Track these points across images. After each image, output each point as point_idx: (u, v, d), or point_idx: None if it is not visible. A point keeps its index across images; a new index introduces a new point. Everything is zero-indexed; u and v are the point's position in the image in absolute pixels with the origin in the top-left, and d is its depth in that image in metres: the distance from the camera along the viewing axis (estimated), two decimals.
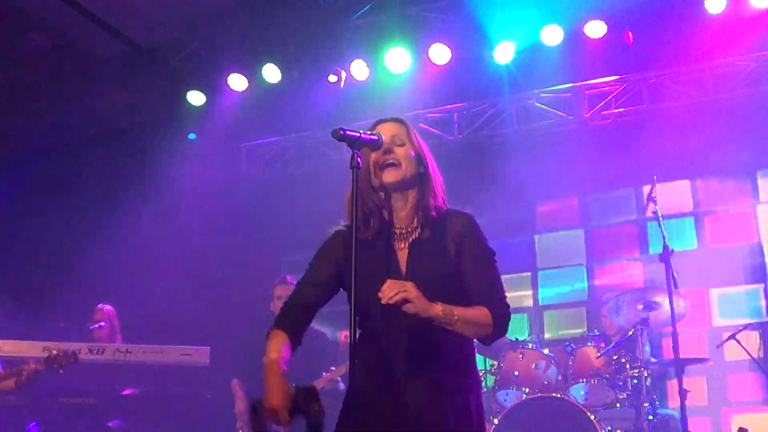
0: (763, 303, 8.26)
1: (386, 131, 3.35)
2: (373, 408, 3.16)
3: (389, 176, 3.31)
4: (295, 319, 3.39)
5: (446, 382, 3.18)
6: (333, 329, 7.16)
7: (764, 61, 8.33)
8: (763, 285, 8.30)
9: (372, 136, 3.34)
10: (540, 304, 9.08)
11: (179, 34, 9.03)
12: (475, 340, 3.34)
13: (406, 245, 3.31)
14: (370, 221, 3.33)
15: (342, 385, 6.43)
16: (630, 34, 8.09)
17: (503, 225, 8.89)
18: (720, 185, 8.65)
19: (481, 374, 6.93)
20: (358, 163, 3.19)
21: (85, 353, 7.16)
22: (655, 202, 6.78)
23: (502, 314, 3.20)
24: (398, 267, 3.26)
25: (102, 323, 7.80)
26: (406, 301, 2.95)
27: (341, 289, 3.39)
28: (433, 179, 3.35)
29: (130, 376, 7.18)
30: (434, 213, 3.31)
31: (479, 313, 3.13)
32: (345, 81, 8.73)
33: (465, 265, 3.24)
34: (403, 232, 3.33)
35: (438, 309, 3.02)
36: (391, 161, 3.31)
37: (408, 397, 3.15)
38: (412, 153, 3.36)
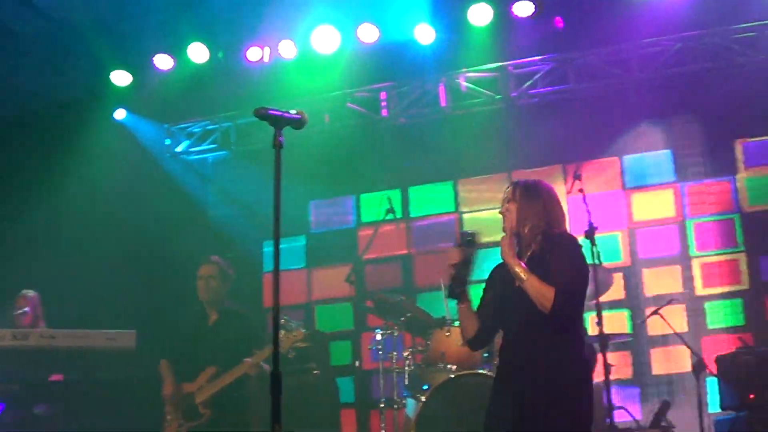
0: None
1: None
2: (504, 385, 4.17)
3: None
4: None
5: (558, 363, 3.99)
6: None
7: (689, 41, 8.46)
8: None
9: (295, 115, 3.37)
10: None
11: (104, 13, 8.86)
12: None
13: (524, 261, 4.17)
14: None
15: (267, 368, 6.28)
16: (559, 20, 8.20)
17: (431, 203, 9.14)
18: (642, 163, 8.81)
19: (408, 353, 6.98)
20: (280, 141, 3.23)
21: (9, 340, 7.03)
22: (580, 179, 6.86)
23: (562, 297, 3.94)
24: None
25: (26, 309, 7.64)
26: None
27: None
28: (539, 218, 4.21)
29: (55, 361, 7.07)
30: (544, 237, 4.17)
31: (547, 288, 3.96)
32: (272, 60, 8.67)
33: (551, 263, 4.04)
34: (524, 251, 4.23)
35: (517, 265, 4.09)
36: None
37: (528, 373, 4.01)
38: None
